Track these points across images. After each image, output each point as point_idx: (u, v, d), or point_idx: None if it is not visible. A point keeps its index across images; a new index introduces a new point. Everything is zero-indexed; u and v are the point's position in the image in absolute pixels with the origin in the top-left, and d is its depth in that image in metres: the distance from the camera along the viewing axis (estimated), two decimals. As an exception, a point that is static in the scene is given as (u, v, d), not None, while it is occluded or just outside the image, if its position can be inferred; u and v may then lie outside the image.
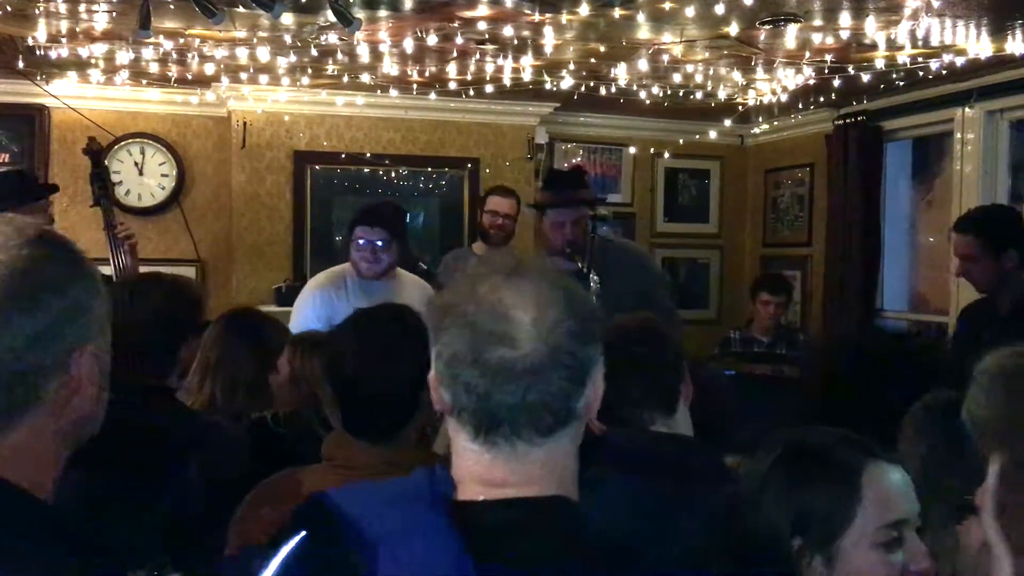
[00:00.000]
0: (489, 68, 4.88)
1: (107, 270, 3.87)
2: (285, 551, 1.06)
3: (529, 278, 1.09)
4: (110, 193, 4.05)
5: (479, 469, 1.08)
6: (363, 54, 4.57)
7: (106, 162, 4.12)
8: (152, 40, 4.28)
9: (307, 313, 3.61)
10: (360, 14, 3.73)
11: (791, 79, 5.04)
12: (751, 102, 5.67)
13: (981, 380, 0.68)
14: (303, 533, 1.06)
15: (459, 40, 4.32)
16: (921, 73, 4.74)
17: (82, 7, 3.90)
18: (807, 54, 4.53)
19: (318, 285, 3.76)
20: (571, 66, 4.85)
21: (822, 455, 1.35)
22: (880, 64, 4.62)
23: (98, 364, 1.06)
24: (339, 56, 4.68)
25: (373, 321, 1.85)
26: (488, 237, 4.64)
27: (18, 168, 4.61)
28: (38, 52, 4.63)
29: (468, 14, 3.93)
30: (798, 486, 1.33)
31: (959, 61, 4.52)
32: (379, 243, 3.56)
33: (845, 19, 3.92)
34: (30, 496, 0.98)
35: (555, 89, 5.22)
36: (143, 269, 4.10)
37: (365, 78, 5.13)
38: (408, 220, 6.11)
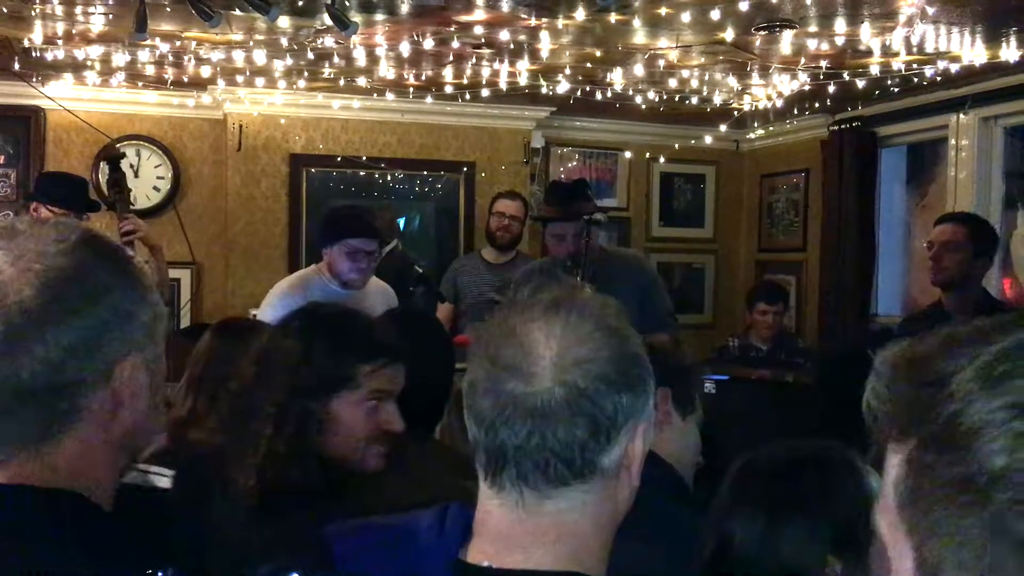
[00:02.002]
0: (485, 72, 4.89)
1: None
2: None
3: (570, 311, 0.99)
4: (126, 197, 4.05)
5: (489, 520, 0.99)
6: (359, 57, 4.58)
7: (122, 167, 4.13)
8: (148, 42, 4.28)
9: (269, 319, 3.53)
10: (357, 18, 3.74)
11: (786, 85, 5.05)
12: (747, 107, 5.68)
13: (882, 371, 0.66)
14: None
15: (455, 44, 4.32)
16: (916, 79, 4.75)
17: (78, 9, 3.90)
18: (802, 60, 4.54)
19: (283, 292, 3.66)
20: (567, 70, 4.86)
21: (821, 459, 1.21)
22: (875, 70, 4.63)
23: (148, 375, 1.00)
24: (335, 59, 4.68)
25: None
26: (494, 239, 4.67)
27: (81, 178, 4.59)
28: (34, 54, 4.63)
29: (464, 18, 3.93)
30: (818, 500, 1.16)
31: (954, 68, 4.54)
32: (371, 252, 3.55)
33: (840, 25, 3.93)
34: (89, 502, 0.95)
35: (551, 93, 5.22)
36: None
37: (361, 81, 5.13)
38: (398, 224, 6.16)
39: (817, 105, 5.54)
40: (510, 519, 0.97)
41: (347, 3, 3.69)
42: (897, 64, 4.54)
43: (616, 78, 4.95)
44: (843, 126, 5.76)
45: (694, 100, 5.40)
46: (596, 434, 0.95)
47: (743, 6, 3.63)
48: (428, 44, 4.26)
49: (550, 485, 0.96)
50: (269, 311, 3.50)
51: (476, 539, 1.00)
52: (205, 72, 4.96)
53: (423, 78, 5.05)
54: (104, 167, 4.11)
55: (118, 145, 5.67)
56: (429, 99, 5.48)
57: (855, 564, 1.13)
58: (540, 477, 0.95)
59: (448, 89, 5.20)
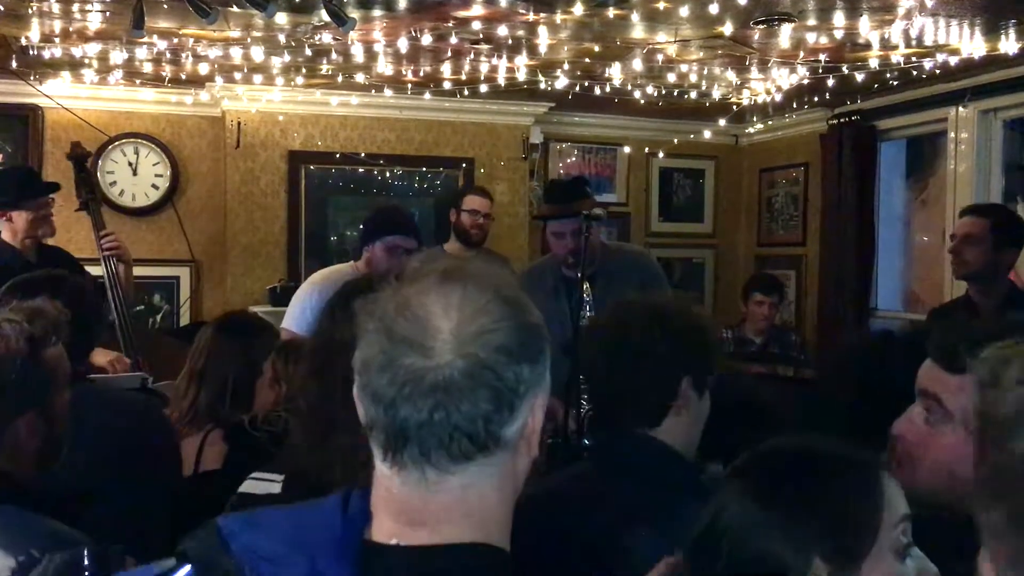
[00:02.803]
0: (484, 68, 4.88)
1: (97, 270, 3.87)
2: None
3: (466, 282, 0.96)
4: (97, 197, 4.07)
5: (391, 499, 0.96)
6: (357, 54, 4.57)
7: (91, 166, 4.14)
8: (146, 40, 4.27)
9: (304, 311, 3.55)
10: (354, 14, 3.73)
11: (785, 79, 5.04)
12: (745, 102, 5.68)
13: (997, 372, 0.61)
14: (188, 568, 0.95)
15: (454, 40, 4.31)
16: (915, 72, 4.74)
17: (76, 7, 3.89)
18: (801, 54, 4.53)
19: (318, 284, 3.68)
20: (566, 66, 4.85)
21: (834, 458, 1.14)
22: (874, 64, 4.62)
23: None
24: (333, 56, 4.67)
25: None
26: (469, 237, 4.60)
27: (25, 166, 4.61)
28: (31, 52, 4.62)
29: (462, 14, 3.93)
30: (817, 499, 1.10)
31: (953, 60, 4.53)
32: (410, 249, 3.58)
33: (839, 19, 3.92)
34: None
35: (550, 89, 5.22)
36: (137, 270, 4.12)
37: (360, 78, 5.12)
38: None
39: (816, 99, 5.53)
40: (413, 497, 0.95)
41: (345, -1, 3.69)
42: (896, 57, 4.53)
43: (615, 73, 4.94)
44: (842, 120, 5.75)
45: (693, 95, 5.40)
46: (499, 407, 0.93)
47: (741, 0, 3.63)
48: (426, 40, 4.26)
49: (453, 461, 0.93)
50: (303, 303, 3.58)
51: (378, 519, 0.97)
52: (203, 69, 4.95)
53: (421, 74, 5.04)
54: (109, 164, 4.11)
55: (113, 144, 5.67)
56: (427, 95, 5.47)
57: (842, 573, 1.07)
58: (443, 453, 0.93)
59: (446, 85, 5.19)
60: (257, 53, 4.51)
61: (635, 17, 3.94)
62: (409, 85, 5.27)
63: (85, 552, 1.26)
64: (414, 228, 3.73)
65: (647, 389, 1.67)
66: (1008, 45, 4.28)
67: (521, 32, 4.19)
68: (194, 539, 0.98)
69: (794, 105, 5.77)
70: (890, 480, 1.13)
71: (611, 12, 3.85)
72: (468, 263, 1.02)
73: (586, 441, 3.13)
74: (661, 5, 3.75)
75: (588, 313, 3.34)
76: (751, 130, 6.69)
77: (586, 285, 3.38)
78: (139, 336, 3.82)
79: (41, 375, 1.57)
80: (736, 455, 1.30)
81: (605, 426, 1.77)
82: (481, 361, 0.92)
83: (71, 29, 4.24)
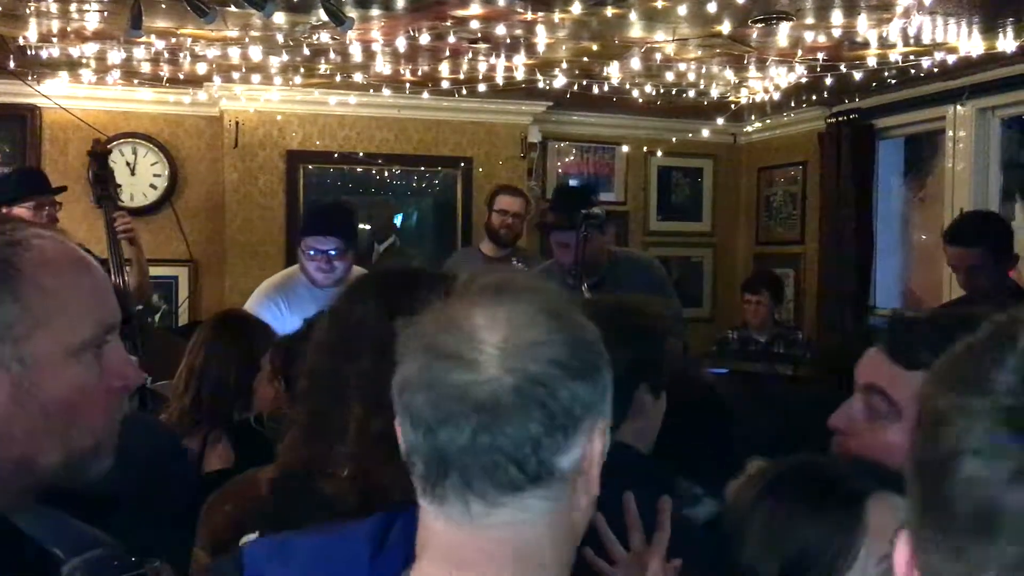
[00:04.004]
0: (482, 67, 4.88)
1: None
2: None
3: (517, 295, 0.87)
4: (112, 194, 4.06)
5: (433, 538, 0.87)
6: (356, 53, 4.57)
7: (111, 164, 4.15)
8: (144, 39, 4.27)
9: (278, 319, 3.39)
10: (352, 13, 3.73)
11: (783, 77, 5.04)
12: (744, 100, 5.68)
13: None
14: None
15: (452, 39, 4.31)
16: (913, 71, 4.75)
17: (73, 7, 3.88)
18: (799, 52, 4.53)
19: (266, 294, 3.56)
20: (564, 65, 4.85)
21: (819, 483, 1.14)
22: (872, 62, 4.62)
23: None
24: (331, 55, 4.67)
25: None
26: (498, 237, 4.66)
27: (30, 166, 4.62)
28: (29, 52, 4.62)
29: (461, 13, 3.92)
30: (792, 519, 1.10)
31: (951, 59, 4.53)
32: (332, 252, 3.45)
33: (837, 17, 3.93)
34: None
35: (548, 88, 5.21)
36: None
37: (358, 77, 5.12)
38: (396, 220, 6.15)
39: (814, 97, 5.53)
40: (457, 536, 0.84)
41: (343, -2, 3.68)
42: (894, 56, 4.54)
43: (613, 72, 4.94)
44: (840, 118, 5.75)
45: (691, 93, 5.40)
46: (552, 429, 0.82)
47: (740, -1, 3.63)
48: (424, 39, 4.25)
49: (500, 492, 0.83)
50: (275, 314, 3.43)
51: (419, 561, 0.87)
52: (201, 69, 4.95)
53: (419, 73, 5.04)
54: (91, 164, 4.11)
55: (111, 144, 5.66)
56: (426, 95, 5.47)
57: None
58: (488, 483, 0.82)
59: (445, 84, 5.19)
60: (255, 53, 4.51)
61: (633, 16, 3.94)
62: (407, 84, 5.27)
63: (116, 552, 1.26)
64: (332, 227, 3.48)
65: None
66: (1006, 43, 4.28)
67: (519, 31, 4.19)
68: (216, 569, 0.94)
69: (792, 104, 5.77)
70: (884, 512, 1.08)
71: (609, 11, 3.85)
72: (519, 277, 0.94)
73: None
74: (659, 4, 3.75)
75: None
76: (749, 129, 6.69)
77: (585, 286, 3.36)
78: (147, 341, 3.74)
79: None
80: (695, 458, 1.30)
81: None
82: (532, 376, 0.82)
83: (69, 29, 4.24)
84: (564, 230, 3.53)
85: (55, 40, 4.44)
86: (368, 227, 5.86)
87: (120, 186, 4.27)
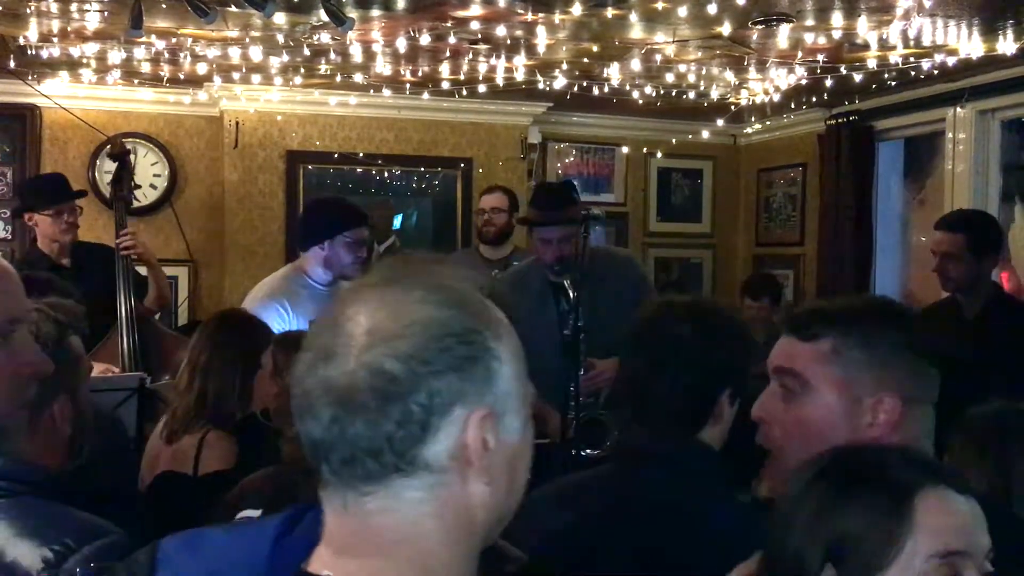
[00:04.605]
0: (482, 68, 4.88)
1: (142, 270, 3.89)
2: None
3: (396, 287, 0.86)
4: (127, 196, 4.06)
5: (328, 525, 0.87)
6: (356, 54, 4.57)
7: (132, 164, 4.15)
8: (144, 39, 4.27)
9: (286, 325, 3.33)
10: (353, 13, 3.73)
11: (783, 79, 5.04)
12: (744, 102, 5.68)
13: None
14: None
15: (452, 40, 4.31)
16: (913, 73, 4.75)
17: (74, 7, 3.88)
18: (799, 54, 4.54)
19: (269, 299, 3.44)
20: (564, 66, 4.85)
21: (870, 471, 1.11)
22: (872, 64, 4.63)
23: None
24: (332, 56, 4.67)
25: None
26: (484, 235, 4.68)
27: (56, 173, 4.61)
28: (29, 51, 4.62)
29: (461, 14, 3.93)
30: (837, 506, 1.08)
31: (951, 61, 4.54)
32: (366, 241, 3.53)
33: (837, 19, 3.93)
34: None
35: (548, 89, 5.22)
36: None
37: (358, 78, 5.12)
38: (396, 220, 6.15)
39: (814, 99, 5.53)
40: (340, 522, 0.86)
41: (343, -1, 3.69)
42: (894, 58, 4.54)
43: (613, 73, 4.94)
44: (840, 120, 5.76)
45: (691, 95, 5.40)
46: (405, 423, 0.81)
47: (740, 0, 3.63)
48: (424, 40, 4.26)
49: (365, 482, 0.83)
50: (283, 320, 3.36)
51: (320, 545, 0.88)
52: (201, 69, 4.95)
53: (420, 74, 5.04)
54: (108, 163, 4.10)
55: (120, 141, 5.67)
56: (426, 95, 5.47)
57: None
58: (352, 473, 0.83)
59: (445, 85, 5.19)
60: (255, 53, 4.51)
61: (633, 17, 3.94)
62: (407, 85, 5.27)
63: (123, 540, 1.27)
64: (367, 219, 3.59)
65: (690, 399, 1.65)
66: (1006, 45, 4.28)
67: (519, 32, 4.19)
68: (129, 563, 0.96)
69: (792, 105, 5.77)
70: (936, 508, 1.05)
71: (609, 12, 3.85)
72: (419, 265, 0.92)
73: (584, 448, 3.10)
74: (659, 5, 3.75)
75: (572, 319, 3.29)
76: (749, 130, 6.69)
77: (571, 291, 3.34)
78: (155, 343, 3.71)
79: (70, 359, 1.59)
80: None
81: (644, 427, 1.72)
82: (384, 371, 0.81)
83: (69, 29, 4.24)
84: (546, 226, 3.52)
85: (55, 40, 4.44)
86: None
87: (139, 186, 4.26)
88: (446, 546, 0.85)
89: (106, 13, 3.95)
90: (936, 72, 4.77)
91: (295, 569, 0.86)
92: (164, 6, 3.76)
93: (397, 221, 6.19)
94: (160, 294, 3.97)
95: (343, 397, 0.82)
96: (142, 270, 3.93)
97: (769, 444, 1.43)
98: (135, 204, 4.41)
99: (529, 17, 3.95)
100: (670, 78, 5.02)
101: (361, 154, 5.90)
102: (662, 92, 5.33)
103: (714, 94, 5.44)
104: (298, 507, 0.94)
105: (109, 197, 3.99)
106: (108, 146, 4.19)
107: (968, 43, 4.30)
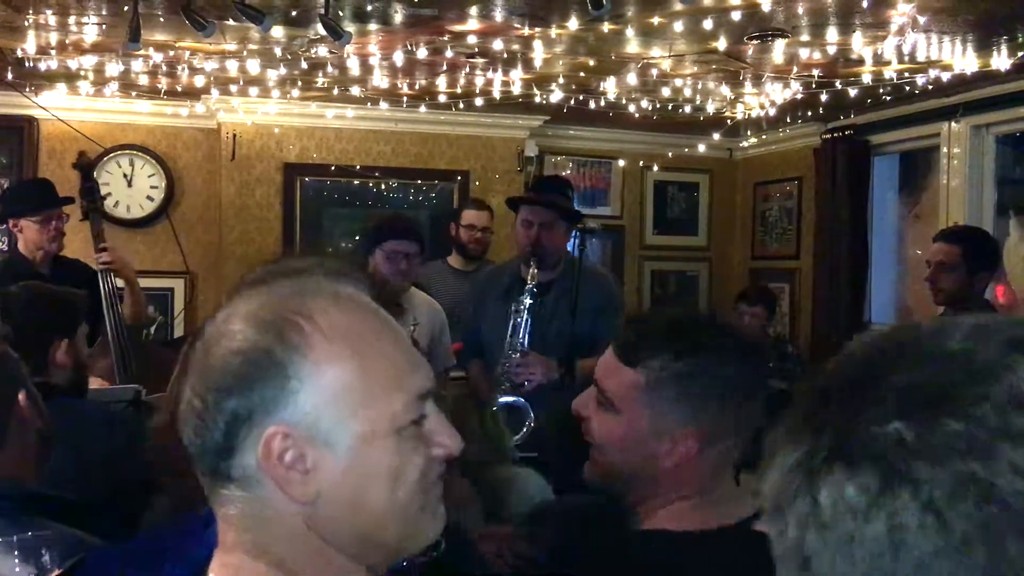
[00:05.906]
0: (479, 81, 4.89)
1: (119, 283, 3.87)
2: None
3: (242, 296, 0.94)
4: (99, 207, 4.05)
5: None
6: (353, 67, 4.58)
7: (96, 176, 4.12)
8: (142, 52, 4.28)
9: None
10: (350, 27, 3.74)
11: (779, 93, 5.07)
12: (740, 116, 5.70)
13: None
14: None
15: (449, 53, 4.33)
16: (908, 88, 4.77)
17: (72, 19, 3.90)
18: (795, 69, 4.56)
19: None
20: (561, 80, 4.87)
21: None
22: (867, 79, 4.65)
23: None
24: (329, 69, 4.69)
25: None
26: (466, 250, 4.69)
27: (40, 178, 4.62)
28: (27, 64, 4.63)
29: (458, 28, 3.94)
30: None
31: (945, 76, 4.56)
32: (411, 254, 3.54)
33: (832, 35, 3.95)
34: None
35: (545, 102, 5.23)
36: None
37: (355, 91, 5.14)
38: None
39: (810, 113, 5.56)
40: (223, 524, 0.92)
41: (340, 13, 3.70)
42: (889, 73, 4.56)
43: (609, 87, 4.96)
44: (835, 134, 5.78)
45: (687, 109, 5.42)
46: (207, 440, 0.87)
47: (736, 16, 3.65)
48: (422, 53, 4.27)
49: (208, 488, 0.90)
50: None
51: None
52: (199, 82, 4.97)
53: (417, 87, 5.06)
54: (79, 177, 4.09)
55: (108, 156, 5.67)
56: (423, 108, 5.48)
57: None
58: (200, 476, 0.90)
59: (442, 98, 5.20)
60: (253, 66, 4.52)
61: (630, 32, 3.96)
62: (404, 98, 5.29)
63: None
64: (414, 232, 3.65)
65: None
66: (1000, 61, 4.31)
67: (516, 46, 4.21)
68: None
69: (788, 119, 5.79)
70: None
71: (606, 27, 3.87)
72: (286, 274, 0.95)
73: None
74: (656, 20, 3.77)
75: (525, 322, 3.36)
76: (745, 144, 6.71)
77: (528, 298, 3.40)
78: (139, 354, 3.71)
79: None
80: None
81: None
82: (195, 390, 0.89)
83: (67, 41, 4.25)
84: (529, 204, 3.57)
85: (53, 52, 4.45)
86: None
87: (107, 196, 4.23)
88: (288, 549, 0.88)
89: (104, 26, 3.97)
90: (931, 87, 4.79)
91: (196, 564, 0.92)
92: (162, 19, 3.77)
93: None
94: (135, 309, 3.94)
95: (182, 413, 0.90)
96: (119, 282, 3.90)
97: (588, 438, 1.52)
98: (111, 213, 4.42)
99: (526, 31, 3.97)
100: (666, 92, 5.04)
101: (358, 167, 5.91)
102: (658, 106, 5.35)
103: (710, 108, 5.46)
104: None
105: (83, 211, 3.95)
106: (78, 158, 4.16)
107: (962, 59, 4.32)
